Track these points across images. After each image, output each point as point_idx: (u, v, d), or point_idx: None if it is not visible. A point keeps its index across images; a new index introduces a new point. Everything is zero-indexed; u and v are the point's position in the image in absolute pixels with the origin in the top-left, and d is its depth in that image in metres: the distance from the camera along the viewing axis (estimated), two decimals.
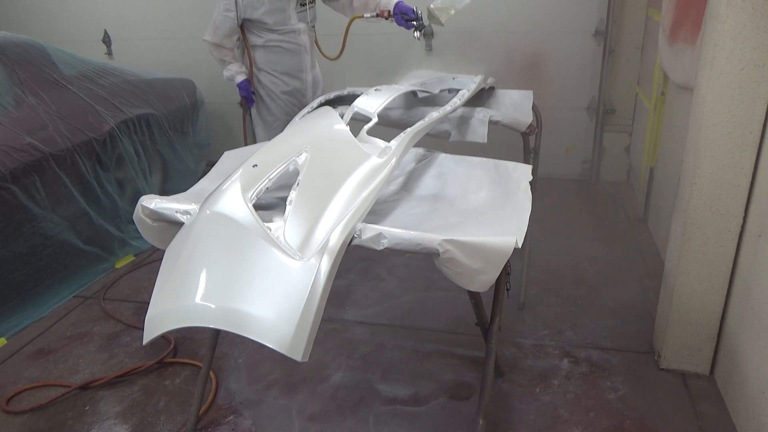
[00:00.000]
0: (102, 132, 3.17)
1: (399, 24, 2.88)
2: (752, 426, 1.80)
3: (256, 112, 3.13)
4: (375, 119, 1.92)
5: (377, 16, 2.88)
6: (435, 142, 2.31)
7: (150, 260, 3.27)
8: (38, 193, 2.74)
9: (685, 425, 1.95)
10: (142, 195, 1.64)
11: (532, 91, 2.69)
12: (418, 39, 2.89)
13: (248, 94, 3.03)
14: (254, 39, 2.95)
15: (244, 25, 2.92)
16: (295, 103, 3.11)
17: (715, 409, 2.01)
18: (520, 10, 3.98)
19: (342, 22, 3.01)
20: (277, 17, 2.87)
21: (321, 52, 3.20)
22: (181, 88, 4.05)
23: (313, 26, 3.11)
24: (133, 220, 1.67)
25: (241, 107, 3.23)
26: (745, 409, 1.86)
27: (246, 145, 3.19)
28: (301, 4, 2.95)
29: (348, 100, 2.27)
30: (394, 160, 1.68)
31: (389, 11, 2.85)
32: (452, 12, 2.70)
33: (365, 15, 2.90)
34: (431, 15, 2.72)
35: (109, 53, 4.78)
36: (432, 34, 4.18)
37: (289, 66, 3.03)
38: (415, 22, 2.83)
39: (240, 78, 2.99)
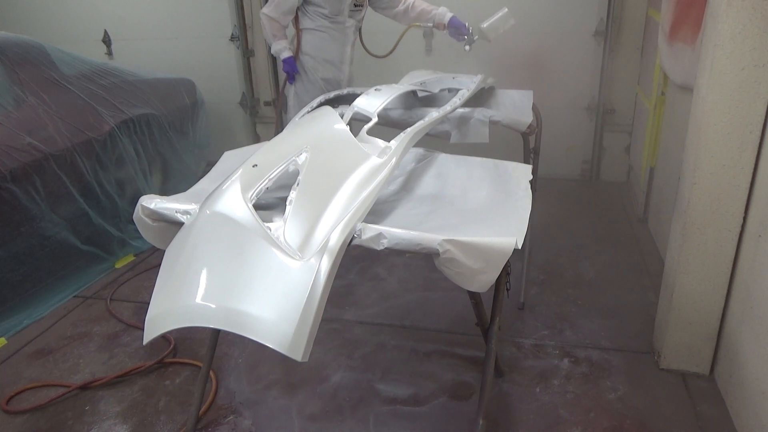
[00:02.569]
0: (102, 132, 3.16)
1: (452, 36, 3.22)
2: (752, 426, 1.80)
3: (294, 93, 3.26)
4: (375, 119, 1.92)
5: (433, 27, 3.23)
6: (435, 142, 2.31)
7: (150, 260, 3.27)
8: (38, 193, 2.73)
9: (685, 425, 1.95)
10: (142, 195, 1.64)
11: (532, 91, 2.69)
12: (467, 50, 3.19)
13: (291, 69, 3.17)
14: (306, 22, 3.11)
15: (300, 7, 3.08)
16: (330, 91, 3.22)
17: (715, 409, 2.01)
18: (520, 11, 3.96)
19: (381, 20, 3.32)
20: (334, 7, 3.05)
21: (365, 49, 3.37)
22: (181, 88, 4.04)
23: (360, 27, 3.30)
24: (133, 220, 1.66)
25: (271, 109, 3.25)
26: (745, 409, 1.86)
27: (283, 117, 3.44)
28: (355, 5, 3.15)
29: (348, 99, 2.27)
30: (394, 160, 1.68)
31: (444, 24, 3.20)
32: (500, 31, 3.04)
33: (423, 25, 3.24)
34: (481, 32, 3.05)
35: (109, 53, 4.78)
36: (432, 34, 4.17)
37: (332, 55, 3.20)
38: (466, 37, 3.16)
39: (286, 54, 3.13)
